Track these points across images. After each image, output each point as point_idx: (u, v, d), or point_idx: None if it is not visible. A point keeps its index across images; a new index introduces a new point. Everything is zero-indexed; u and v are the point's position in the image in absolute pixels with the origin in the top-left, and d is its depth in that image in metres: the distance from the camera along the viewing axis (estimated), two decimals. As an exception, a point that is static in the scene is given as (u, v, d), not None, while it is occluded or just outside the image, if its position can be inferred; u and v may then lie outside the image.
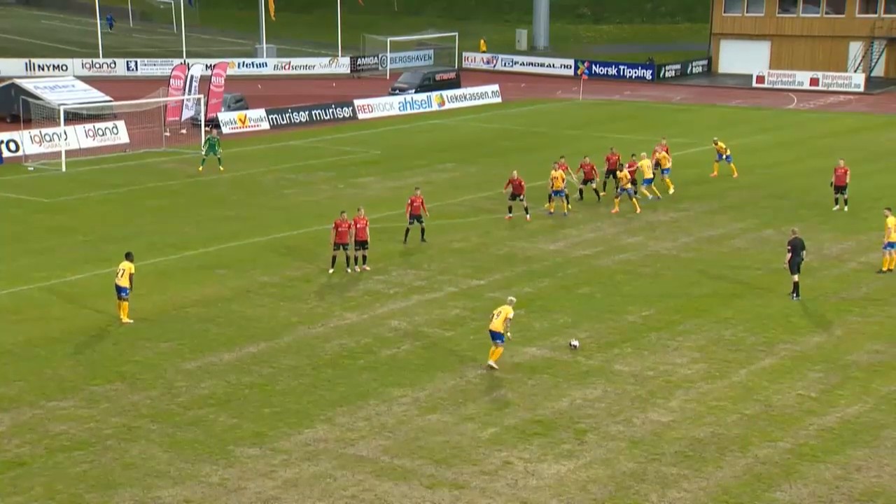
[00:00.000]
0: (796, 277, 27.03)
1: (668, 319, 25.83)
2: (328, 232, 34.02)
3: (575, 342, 23.51)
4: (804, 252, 27.07)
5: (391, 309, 26.55)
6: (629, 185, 36.62)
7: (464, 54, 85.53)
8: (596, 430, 19.68)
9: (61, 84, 57.74)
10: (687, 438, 19.37)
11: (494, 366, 22.54)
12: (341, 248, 29.34)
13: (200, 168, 44.54)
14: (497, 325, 22.34)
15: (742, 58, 78.76)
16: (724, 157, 42.43)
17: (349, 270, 29.57)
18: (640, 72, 79.55)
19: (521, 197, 35.21)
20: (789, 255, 27.04)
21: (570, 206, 36.69)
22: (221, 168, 44.69)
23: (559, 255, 31.51)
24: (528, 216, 35.28)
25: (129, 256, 25.90)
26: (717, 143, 42.90)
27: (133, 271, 25.51)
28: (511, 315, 22.44)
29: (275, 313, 26.19)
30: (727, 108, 64.95)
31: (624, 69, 79.94)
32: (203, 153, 45.04)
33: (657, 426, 19.90)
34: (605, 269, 30.30)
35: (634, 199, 36.79)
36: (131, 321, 25.42)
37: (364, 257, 29.83)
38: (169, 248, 31.83)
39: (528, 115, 61.91)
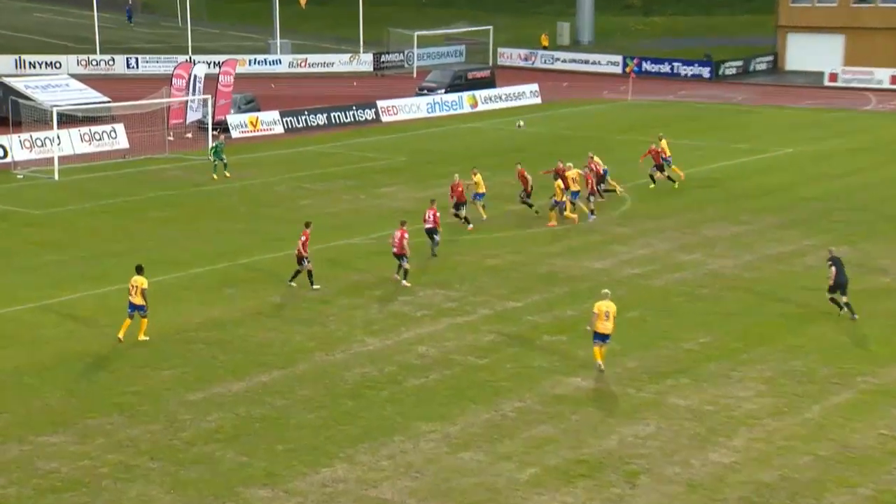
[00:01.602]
0: (846, 298, 27.19)
1: (729, 347, 25.60)
2: (349, 247, 34.09)
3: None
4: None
5: (418, 334, 26.56)
6: (563, 198, 36.69)
7: (499, 50, 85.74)
8: (649, 473, 19.46)
9: (54, 83, 58.42)
10: (752, 483, 19.09)
11: (603, 367, 23.73)
12: (400, 259, 30.47)
13: (215, 176, 44.91)
14: (610, 326, 23.63)
15: (812, 53, 78.27)
16: (665, 159, 42.23)
17: (397, 277, 30.54)
18: (696, 69, 79.37)
19: (464, 205, 35.69)
20: (833, 273, 27.16)
21: (593, 209, 37.50)
22: (227, 174, 45.09)
23: (606, 274, 31.43)
24: (469, 226, 35.84)
25: (140, 270, 26.13)
26: (661, 141, 42.94)
27: (146, 286, 25.81)
28: (615, 312, 23.89)
29: (289, 338, 26.25)
30: (795, 110, 64.64)
31: (678, 66, 79.83)
32: (211, 160, 45.42)
33: (718, 468, 19.64)
34: (657, 289, 30.17)
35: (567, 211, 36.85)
36: (147, 338, 25.76)
37: (405, 271, 30.47)
38: (172, 266, 31.99)
39: (570, 117, 61.95)
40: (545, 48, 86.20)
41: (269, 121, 57.59)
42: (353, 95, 67.30)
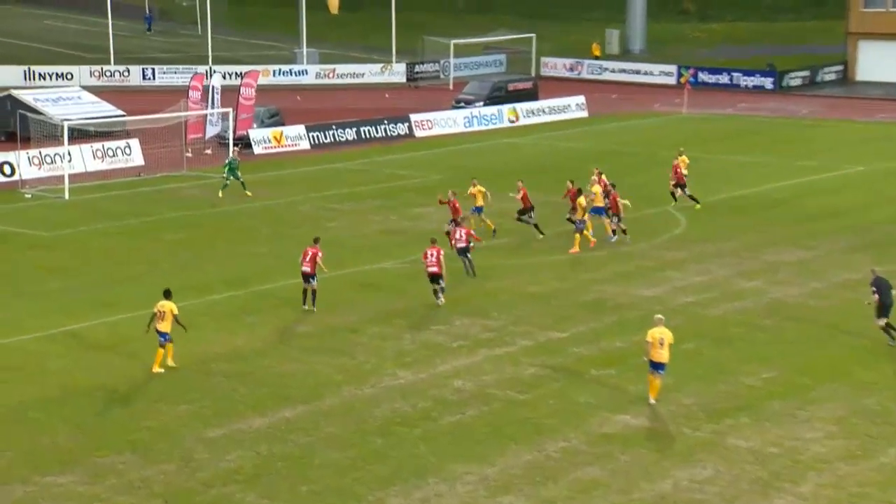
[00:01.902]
0: (883, 321, 27.31)
1: (795, 383, 25.36)
2: (380, 272, 34.12)
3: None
4: (894, 292, 27.47)
5: (454, 366, 26.59)
6: (585, 216, 36.70)
7: (542, 59, 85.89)
8: (706, 520, 19.33)
9: (65, 96, 59.11)
10: (821, 533, 18.93)
11: (654, 401, 23.85)
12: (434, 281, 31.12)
13: (221, 194, 45.34)
14: (666, 354, 23.73)
15: (886, 62, 77.69)
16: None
17: (440, 302, 31.13)
18: (757, 80, 79.08)
19: (461, 218, 36.14)
20: (876, 297, 27.23)
21: (622, 229, 37.46)
22: (249, 193, 45.43)
23: (658, 302, 31.29)
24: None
25: (168, 295, 26.42)
26: (681, 156, 43.81)
27: (177, 312, 26.05)
28: (672, 340, 24.02)
29: (314, 370, 26.34)
30: (867, 125, 64.16)
31: (738, 77, 79.56)
32: (224, 177, 45.78)
33: (783, 516, 19.49)
34: (715, 319, 30.02)
35: (586, 233, 36.72)
36: (175, 365, 26.07)
37: (441, 289, 31.19)
38: (189, 292, 31.89)
39: (619, 132, 61.92)
40: (596, 58, 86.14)
41: (294, 136, 57.96)
42: (384, 108, 67.60)
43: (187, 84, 58.67)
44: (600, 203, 37.59)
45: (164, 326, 25.88)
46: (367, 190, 47.24)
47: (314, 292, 30.64)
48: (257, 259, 36.30)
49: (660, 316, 24.57)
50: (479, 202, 38.43)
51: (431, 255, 31.17)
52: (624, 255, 36.65)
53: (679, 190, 42.32)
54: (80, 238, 39.44)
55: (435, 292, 31.35)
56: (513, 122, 65.09)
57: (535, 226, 38.47)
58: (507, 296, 32.11)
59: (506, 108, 65.51)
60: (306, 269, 30.67)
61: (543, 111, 66.90)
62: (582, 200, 36.79)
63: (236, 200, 45.03)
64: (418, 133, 61.54)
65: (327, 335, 28.82)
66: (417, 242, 37.15)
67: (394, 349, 27.72)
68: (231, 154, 46.98)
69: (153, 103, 59.36)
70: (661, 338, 23.92)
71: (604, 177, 39.29)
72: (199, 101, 55.91)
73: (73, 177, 47.52)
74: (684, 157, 43.92)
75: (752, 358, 26.96)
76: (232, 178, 45.49)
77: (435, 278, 31.13)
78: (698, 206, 42.16)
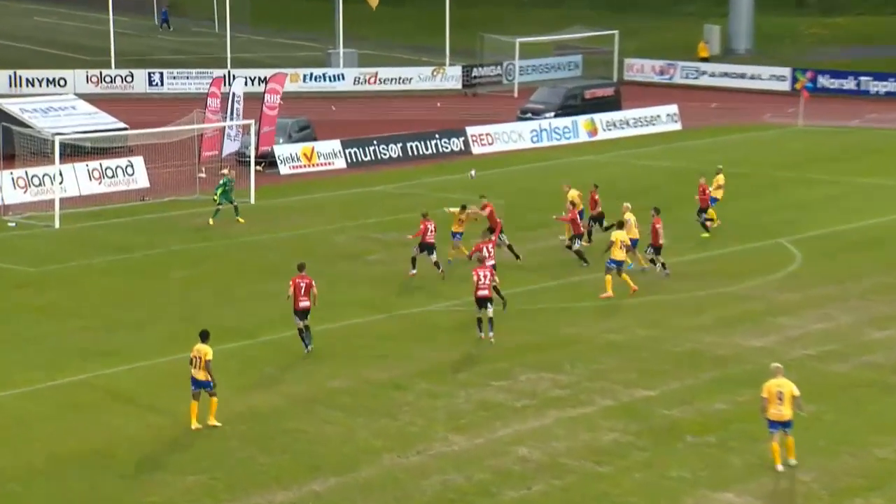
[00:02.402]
0: None
1: (937, 456, 25.04)
2: (430, 316, 34.03)
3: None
4: None
5: (517, 430, 26.43)
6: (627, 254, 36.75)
7: (627, 61, 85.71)
8: None
9: (57, 105, 59.70)
10: None
11: (781, 468, 23.85)
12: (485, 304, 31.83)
13: (212, 221, 45.73)
14: (788, 411, 23.74)
15: None
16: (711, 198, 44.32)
17: (483, 335, 31.92)
18: (891, 85, 78.35)
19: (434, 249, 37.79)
20: None
21: (661, 261, 38.21)
22: (241, 220, 45.84)
23: (768, 354, 30.86)
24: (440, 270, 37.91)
25: (204, 338, 26.69)
26: (717, 175, 45.46)
27: (210, 357, 26.33)
28: (797, 392, 23.94)
29: (350, 434, 26.29)
30: None
31: (867, 81, 78.82)
32: (215, 199, 46.15)
33: None
34: (839, 377, 29.71)
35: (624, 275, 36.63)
36: (219, 424, 26.34)
37: (490, 321, 31.81)
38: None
39: (719, 148, 61.48)
40: (703, 60, 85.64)
41: (328, 152, 58.20)
42: (435, 120, 67.70)
43: (201, 91, 59.29)
44: (634, 234, 37.85)
45: (201, 374, 26.23)
46: (415, 218, 46.93)
47: (308, 328, 31.04)
48: (282, 300, 36.28)
49: (777, 365, 24.50)
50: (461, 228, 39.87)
51: (484, 276, 31.80)
52: (725, 296, 36.42)
53: (702, 215, 43.54)
54: (72, 275, 39.61)
55: (479, 322, 31.93)
56: (591, 136, 65.05)
57: (509, 247, 39.49)
58: (583, 345, 32.03)
59: (582, 120, 65.42)
60: (305, 303, 31.03)
61: (627, 123, 66.80)
62: (623, 236, 36.59)
63: (258, 229, 45.23)
64: (476, 149, 61.56)
65: (365, 392, 28.77)
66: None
67: (445, 409, 27.63)
68: (229, 174, 47.13)
69: (161, 114, 59.83)
70: (778, 391, 23.88)
71: (598, 196, 41.78)
72: (218, 112, 56.25)
73: (64, 201, 47.82)
74: (721, 176, 44.91)
75: (886, 425, 26.61)
76: (224, 201, 45.81)
77: (484, 302, 31.68)
78: (706, 234, 43.12)
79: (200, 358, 26.27)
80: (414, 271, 38.11)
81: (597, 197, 42.76)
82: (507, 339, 32.06)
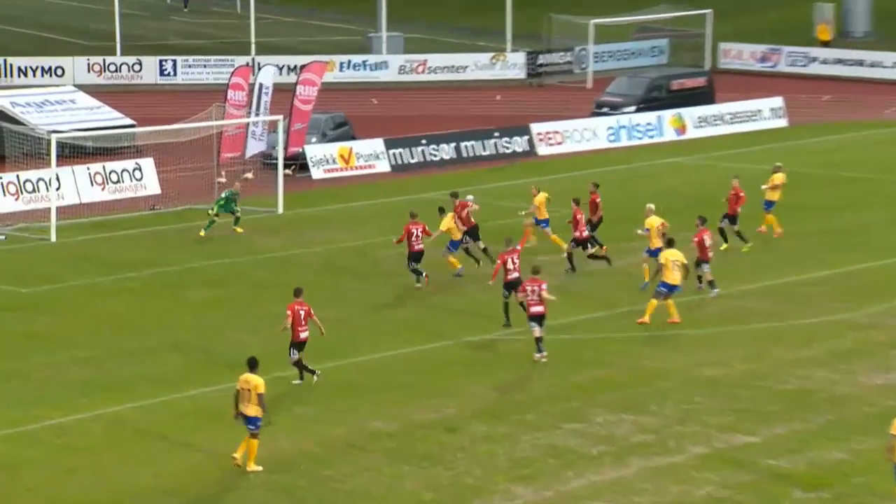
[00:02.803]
0: None
1: None
2: (488, 346, 33.72)
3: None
4: None
5: (592, 482, 26.28)
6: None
7: (722, 46, 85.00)
8: None
9: (54, 98, 59.91)
10: None
11: None
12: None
13: (203, 233, 45.90)
14: None
15: None
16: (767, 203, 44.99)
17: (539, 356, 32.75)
18: None
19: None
20: None
21: (709, 279, 38.77)
22: (239, 230, 46.12)
23: (893, 393, 30.67)
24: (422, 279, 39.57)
25: (253, 366, 26.77)
26: (774, 174, 45.73)
27: (262, 390, 26.45)
28: None
29: (395, 485, 26.18)
30: None
31: None
32: (211, 213, 46.33)
33: None
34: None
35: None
36: (259, 468, 26.53)
37: (538, 341, 32.82)
38: (221, 371, 32.01)
39: (832, 149, 61.26)
40: (825, 43, 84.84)
41: (369, 153, 58.11)
42: (495, 116, 67.55)
43: (221, 81, 59.18)
44: (657, 242, 38.44)
45: (251, 409, 26.40)
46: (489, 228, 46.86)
47: (298, 363, 31.63)
48: (312, 326, 36.10)
49: None
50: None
51: (532, 290, 32.59)
52: (839, 324, 36.05)
53: (728, 223, 43.47)
54: (69, 297, 39.53)
55: (537, 342, 32.70)
56: (678, 134, 64.69)
57: (485, 250, 41.23)
58: (671, 381, 31.82)
59: (668, 115, 65.09)
60: (306, 334, 31.52)
61: (722, 119, 66.37)
62: (675, 255, 36.28)
63: (287, 244, 45.24)
64: (542, 150, 61.35)
65: (413, 435, 28.57)
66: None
67: (507, 456, 27.43)
68: (233, 187, 47.31)
69: (174, 109, 60.11)
70: None
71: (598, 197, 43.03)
72: (242, 106, 56.11)
73: (62, 210, 47.96)
74: (780, 175, 45.11)
75: None
76: (221, 212, 46.03)
77: (537, 319, 32.55)
78: (747, 247, 43.08)
79: (251, 390, 26.43)
80: (419, 285, 39.49)
81: (598, 199, 43.11)
82: (578, 374, 31.90)
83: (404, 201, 51.89)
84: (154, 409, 30.24)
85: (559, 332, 34.35)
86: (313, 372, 31.50)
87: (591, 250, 41.52)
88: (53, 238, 46.05)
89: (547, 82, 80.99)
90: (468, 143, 60.32)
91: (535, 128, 62.03)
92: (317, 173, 56.25)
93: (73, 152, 51.97)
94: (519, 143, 61.27)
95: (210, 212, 46.43)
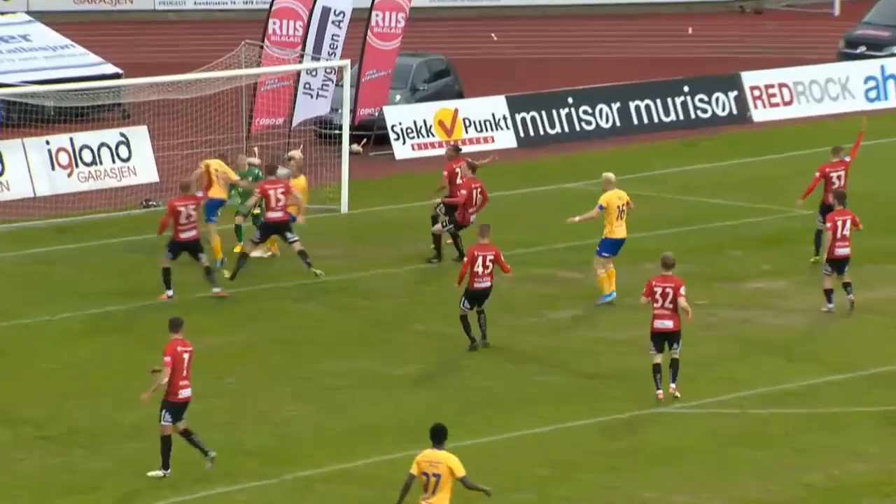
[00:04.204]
0: None
1: None
2: (674, 421, 35.34)
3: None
4: None
5: None
6: None
7: None
8: None
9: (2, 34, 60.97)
10: None
11: None
12: None
13: (238, 248, 45.66)
14: None
15: None
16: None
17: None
18: None
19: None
20: None
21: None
22: (245, 245, 45.58)
23: None
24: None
25: (439, 436, 27.36)
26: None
27: (462, 472, 27.24)
28: None
29: None
30: None
31: None
32: (234, 204, 46.37)
33: None
34: None
35: None
36: None
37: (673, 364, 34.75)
38: (261, 461, 32.91)
39: None
40: None
41: (483, 119, 58.65)
42: (682, 60, 68.25)
43: (253, 7, 59.15)
44: (617, 229, 41.94)
45: (441, 499, 27.13)
46: (649, 241, 47.37)
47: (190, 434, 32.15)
48: (403, 393, 36.80)
49: None
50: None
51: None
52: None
53: (821, 220, 44.84)
54: (18, 341, 40.13)
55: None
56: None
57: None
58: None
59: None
60: (188, 392, 32.11)
61: None
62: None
63: (351, 263, 45.82)
64: (759, 114, 62.05)
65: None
66: (763, 351, 38.21)
67: None
68: (293, 155, 47.24)
69: (181, 49, 60.64)
70: None
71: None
72: (293, 44, 56.12)
73: (9, 207, 49.05)
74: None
75: None
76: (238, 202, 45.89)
77: (668, 337, 34.82)
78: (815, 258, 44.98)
79: (440, 475, 26.96)
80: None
81: None
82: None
83: (537, 193, 52.53)
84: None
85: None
86: (206, 453, 31.75)
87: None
88: (-6, 253, 46.69)
89: (767, 6, 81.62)
90: (641, 103, 60.96)
91: (748, 78, 62.58)
92: (402, 150, 56.89)
93: (24, 117, 52.57)
94: (722, 103, 61.84)
95: (234, 204, 46.42)
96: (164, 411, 31.80)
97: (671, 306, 34.66)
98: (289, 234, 43.28)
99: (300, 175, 46.39)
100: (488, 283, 38.46)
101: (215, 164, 45.11)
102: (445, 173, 45.66)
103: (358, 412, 35.69)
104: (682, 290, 35.21)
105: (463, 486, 27.16)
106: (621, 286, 42.47)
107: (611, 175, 43.24)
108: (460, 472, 27.09)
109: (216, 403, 35.69)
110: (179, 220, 41.44)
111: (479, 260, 38.23)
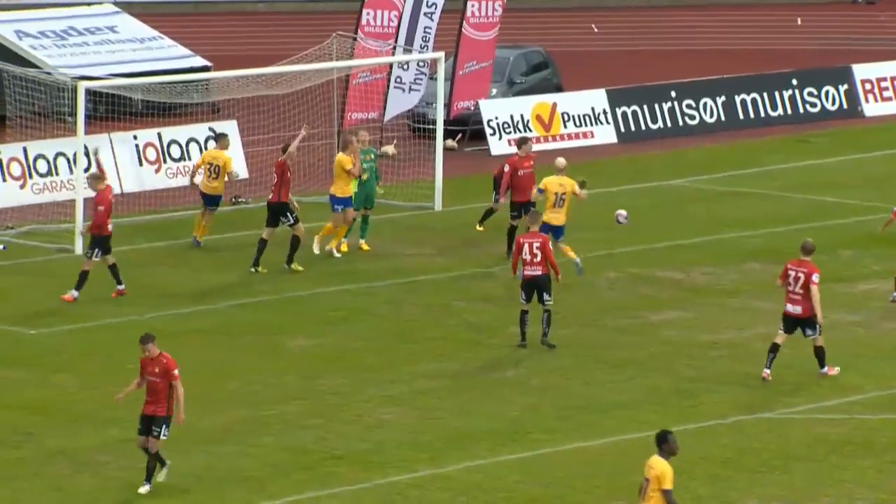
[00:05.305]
0: None
1: None
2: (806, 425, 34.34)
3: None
4: None
5: None
6: None
7: None
8: None
9: (83, 26, 61.13)
10: None
11: None
12: None
13: (365, 244, 46.25)
14: None
15: None
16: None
17: None
18: None
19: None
20: None
21: None
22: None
23: None
24: None
25: (658, 443, 27.23)
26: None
27: (670, 487, 27.01)
28: None
29: None
30: None
31: None
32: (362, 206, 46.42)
33: None
34: None
35: None
36: None
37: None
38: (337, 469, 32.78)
39: None
40: None
41: (583, 114, 58.74)
42: (793, 51, 68.03)
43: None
44: (556, 215, 42.66)
45: None
46: (754, 238, 47.49)
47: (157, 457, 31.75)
48: (493, 393, 37.04)
49: None
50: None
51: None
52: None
53: None
54: (98, 342, 40.47)
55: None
56: None
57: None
58: None
59: None
60: (153, 407, 31.84)
61: None
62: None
63: (449, 261, 46.13)
64: (871, 108, 61.97)
65: None
66: (873, 355, 38.84)
67: None
68: (387, 150, 47.29)
69: (270, 41, 60.65)
70: None
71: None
72: (388, 34, 56.25)
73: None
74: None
75: None
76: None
77: (798, 322, 35.00)
78: None
79: (649, 480, 26.99)
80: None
81: None
82: None
83: (639, 190, 52.64)
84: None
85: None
86: (163, 463, 31.73)
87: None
88: (79, 249, 46.74)
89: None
90: (747, 97, 60.99)
91: (860, 71, 62.53)
92: (498, 146, 56.96)
93: (112, 111, 53.05)
94: (832, 97, 61.78)
95: (361, 209, 46.60)
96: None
97: (801, 291, 35.15)
98: (282, 219, 44.61)
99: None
100: (539, 272, 38.94)
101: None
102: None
103: (452, 416, 35.66)
104: (815, 278, 35.67)
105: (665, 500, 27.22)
106: (728, 287, 42.62)
107: (561, 160, 44.38)
108: (665, 484, 27.13)
109: (306, 406, 35.89)
110: None
111: (526, 248, 38.94)
